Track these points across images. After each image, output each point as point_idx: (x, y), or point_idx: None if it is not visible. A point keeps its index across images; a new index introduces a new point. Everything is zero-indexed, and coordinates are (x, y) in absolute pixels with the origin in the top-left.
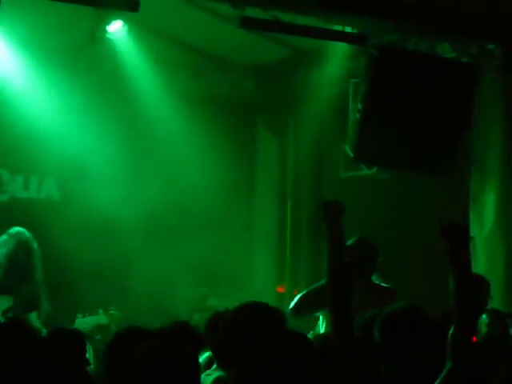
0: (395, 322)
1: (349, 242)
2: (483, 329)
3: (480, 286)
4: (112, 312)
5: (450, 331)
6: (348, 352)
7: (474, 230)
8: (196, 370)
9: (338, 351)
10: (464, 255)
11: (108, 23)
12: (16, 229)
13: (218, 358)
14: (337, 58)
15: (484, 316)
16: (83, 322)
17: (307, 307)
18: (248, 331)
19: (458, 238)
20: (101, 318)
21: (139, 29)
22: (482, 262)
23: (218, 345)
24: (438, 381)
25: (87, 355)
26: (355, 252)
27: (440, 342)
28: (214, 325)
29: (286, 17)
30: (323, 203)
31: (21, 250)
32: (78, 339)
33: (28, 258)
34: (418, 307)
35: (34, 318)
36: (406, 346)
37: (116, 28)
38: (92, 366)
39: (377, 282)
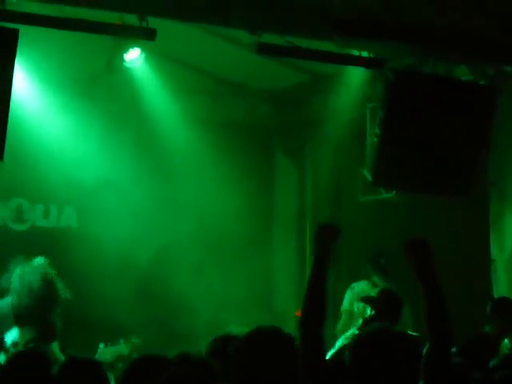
0: (366, 345)
1: (373, 293)
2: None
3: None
4: (133, 341)
5: (425, 349)
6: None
7: (494, 253)
8: None
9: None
10: (430, 271)
11: (125, 51)
12: (38, 260)
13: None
14: (354, 82)
15: (506, 341)
16: (105, 353)
17: None
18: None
19: (421, 253)
20: (122, 348)
21: (156, 56)
22: (503, 284)
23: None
24: None
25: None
26: (379, 304)
27: (414, 364)
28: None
29: (302, 42)
30: (320, 226)
31: (45, 282)
32: (93, 368)
33: (52, 291)
34: (390, 330)
35: (55, 348)
36: (376, 368)
37: (133, 56)
38: None
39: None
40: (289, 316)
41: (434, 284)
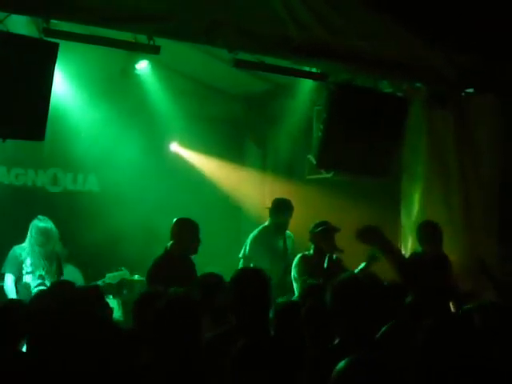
0: (345, 287)
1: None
2: None
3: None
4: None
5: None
6: None
7: (403, 219)
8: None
9: None
10: (390, 245)
11: (137, 62)
12: (42, 218)
13: None
14: (305, 90)
15: None
16: (110, 277)
17: None
18: None
19: (376, 237)
20: (125, 273)
21: (160, 66)
22: (410, 242)
23: None
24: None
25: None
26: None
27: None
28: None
29: (267, 59)
30: (357, 232)
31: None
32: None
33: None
34: (357, 277)
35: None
36: (355, 306)
37: (143, 66)
38: (119, 315)
39: None
40: None
41: (395, 251)
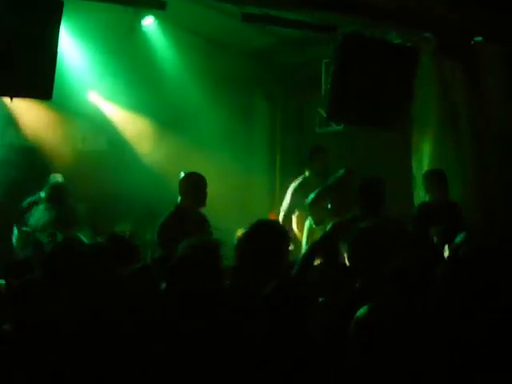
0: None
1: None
2: None
3: None
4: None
5: None
6: None
7: (415, 171)
8: None
9: None
10: None
11: (142, 18)
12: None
13: None
14: (313, 43)
15: None
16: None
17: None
18: None
19: None
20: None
21: (166, 23)
22: (422, 194)
23: None
24: None
25: None
26: None
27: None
28: None
29: (274, 12)
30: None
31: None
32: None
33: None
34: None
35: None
36: (372, 257)
37: (149, 22)
38: None
39: None
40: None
41: None
